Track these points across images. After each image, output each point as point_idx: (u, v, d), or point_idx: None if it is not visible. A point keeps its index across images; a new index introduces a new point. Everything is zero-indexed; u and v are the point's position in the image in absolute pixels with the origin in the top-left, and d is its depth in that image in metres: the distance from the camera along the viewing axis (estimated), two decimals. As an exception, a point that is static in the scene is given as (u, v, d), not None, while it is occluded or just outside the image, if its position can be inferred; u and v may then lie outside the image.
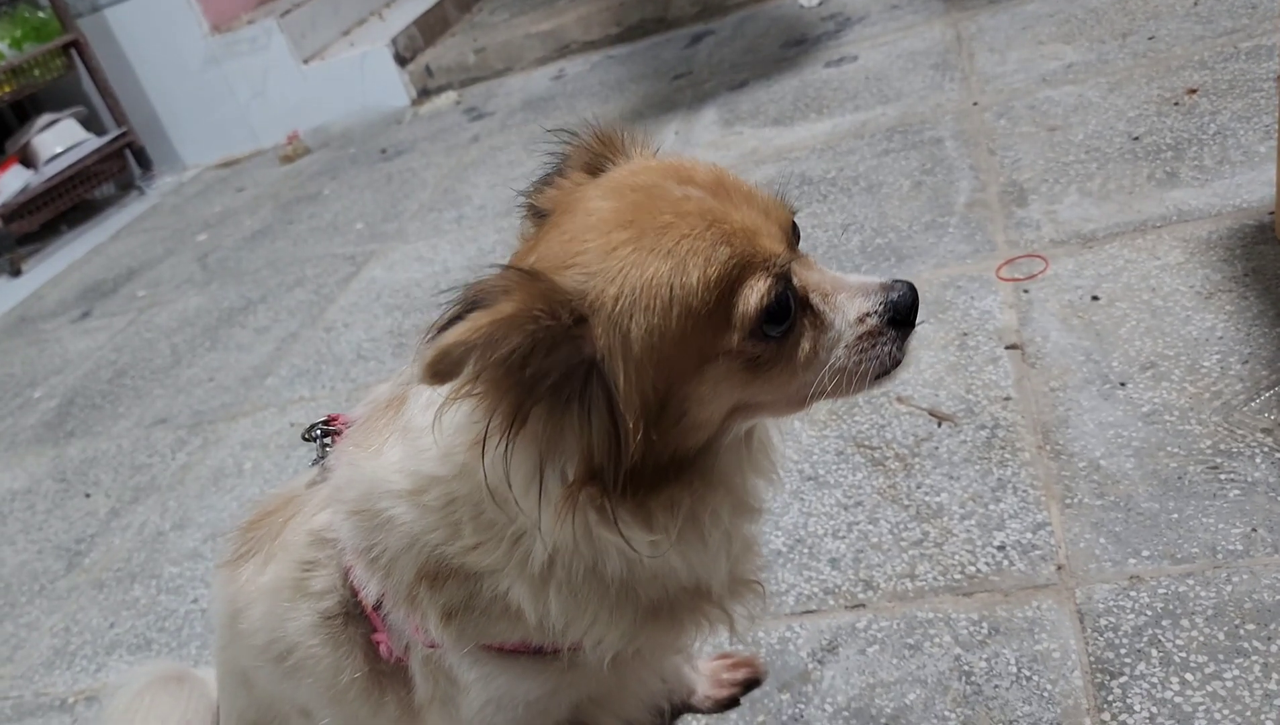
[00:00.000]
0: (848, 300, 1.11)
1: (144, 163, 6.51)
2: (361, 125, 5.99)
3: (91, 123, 6.39)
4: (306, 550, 1.33)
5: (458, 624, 1.23)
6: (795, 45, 4.61)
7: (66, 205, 6.08)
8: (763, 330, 1.03)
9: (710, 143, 3.95)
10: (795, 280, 1.07)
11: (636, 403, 0.99)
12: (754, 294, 1.02)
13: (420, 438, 1.15)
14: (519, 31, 5.82)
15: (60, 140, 6.12)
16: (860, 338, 1.10)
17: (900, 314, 1.11)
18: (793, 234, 1.14)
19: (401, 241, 4.15)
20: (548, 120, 4.91)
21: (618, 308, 0.99)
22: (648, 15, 5.55)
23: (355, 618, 1.33)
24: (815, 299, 1.10)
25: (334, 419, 1.44)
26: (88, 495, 3.14)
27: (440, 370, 0.92)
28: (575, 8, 5.77)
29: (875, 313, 1.10)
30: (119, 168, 6.44)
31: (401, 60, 5.97)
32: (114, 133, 6.32)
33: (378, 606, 1.27)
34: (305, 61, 6.11)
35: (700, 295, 1.00)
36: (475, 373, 0.94)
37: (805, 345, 1.08)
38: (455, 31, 6.46)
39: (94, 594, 2.66)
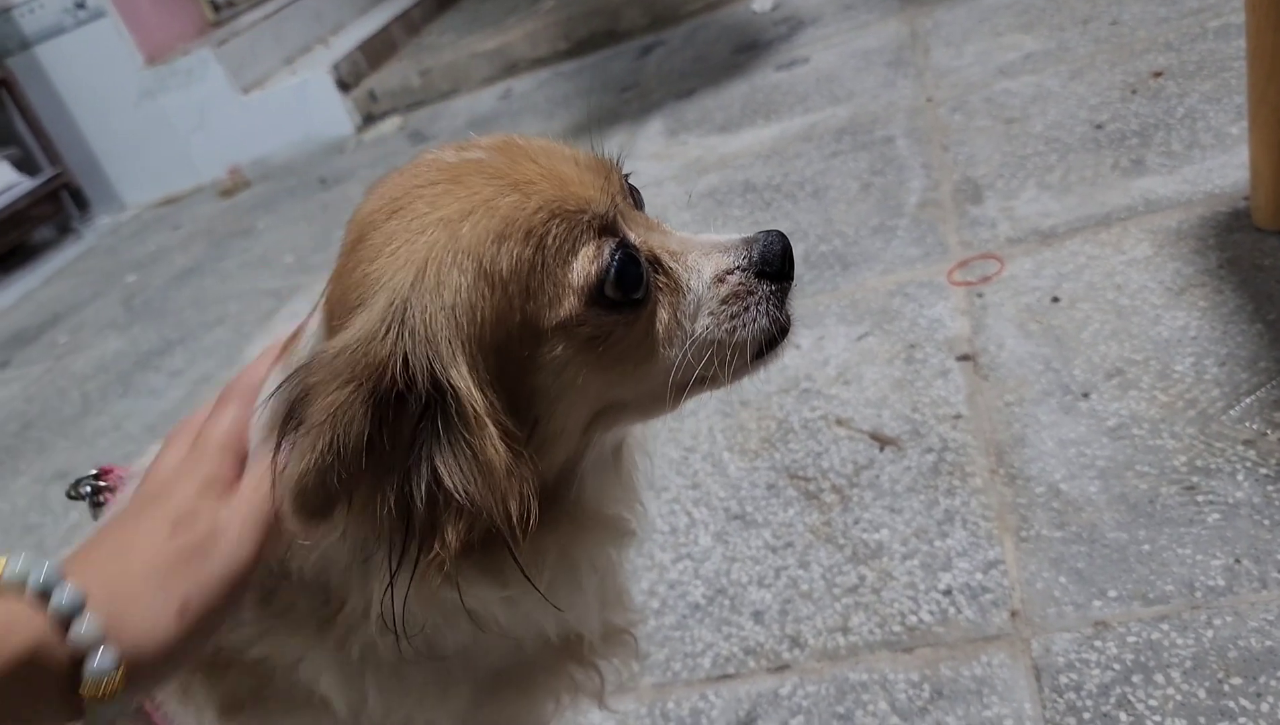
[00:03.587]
0: (702, 258, 0.91)
1: (81, 204, 6.26)
2: (304, 155, 5.74)
3: (26, 164, 6.12)
4: None
5: (245, 718, 0.98)
6: (746, 51, 4.39)
7: (1, 250, 5.82)
8: (609, 297, 0.82)
9: (654, 154, 3.71)
10: (633, 236, 0.86)
11: (485, 410, 0.78)
12: (585, 253, 0.82)
13: None
14: (465, 51, 5.59)
15: (-10, 184, 5.87)
16: (726, 301, 0.89)
17: (769, 265, 0.91)
18: (630, 193, 0.93)
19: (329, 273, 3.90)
20: (491, 140, 4.69)
21: (409, 312, 0.77)
22: (597, 29, 5.32)
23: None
24: (665, 259, 0.89)
25: (106, 472, 1.18)
26: (-26, 560, 2.87)
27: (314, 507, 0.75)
28: (523, 25, 5.54)
29: (738, 268, 0.90)
30: (55, 210, 6.18)
31: (344, 86, 5.73)
32: (48, 174, 6.06)
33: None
34: (245, 91, 5.87)
35: (490, 255, 0.79)
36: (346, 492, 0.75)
37: (663, 315, 0.87)
38: (401, 55, 6.22)
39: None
